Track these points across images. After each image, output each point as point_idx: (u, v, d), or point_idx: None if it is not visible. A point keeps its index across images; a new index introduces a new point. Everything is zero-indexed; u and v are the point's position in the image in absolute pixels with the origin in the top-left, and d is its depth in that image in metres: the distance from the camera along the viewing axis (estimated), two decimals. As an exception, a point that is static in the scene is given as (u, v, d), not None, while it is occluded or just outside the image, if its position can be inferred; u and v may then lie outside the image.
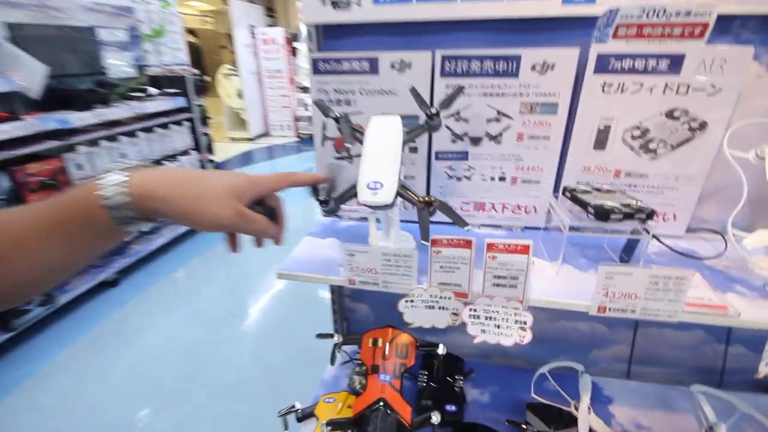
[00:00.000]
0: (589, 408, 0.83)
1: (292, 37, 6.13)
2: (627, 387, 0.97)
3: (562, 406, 0.85)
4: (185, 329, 2.16)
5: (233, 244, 0.55)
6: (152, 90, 2.92)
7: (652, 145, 0.72)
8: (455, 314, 0.62)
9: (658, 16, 0.63)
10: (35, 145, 2.03)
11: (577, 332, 1.01)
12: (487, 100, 0.73)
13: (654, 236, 0.66)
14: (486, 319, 0.61)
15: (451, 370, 0.94)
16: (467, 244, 0.57)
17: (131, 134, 2.65)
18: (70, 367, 1.89)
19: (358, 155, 0.79)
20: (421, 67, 0.73)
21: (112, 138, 2.50)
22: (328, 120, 0.76)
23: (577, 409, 0.84)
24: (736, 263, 0.67)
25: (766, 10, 0.66)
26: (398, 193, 0.60)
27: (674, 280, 0.55)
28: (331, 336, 0.80)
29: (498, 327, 0.61)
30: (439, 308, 0.62)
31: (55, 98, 2.22)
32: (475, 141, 0.76)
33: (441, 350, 0.74)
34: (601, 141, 0.73)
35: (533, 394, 0.87)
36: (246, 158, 5.37)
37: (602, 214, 0.61)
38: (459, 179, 0.81)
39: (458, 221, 0.55)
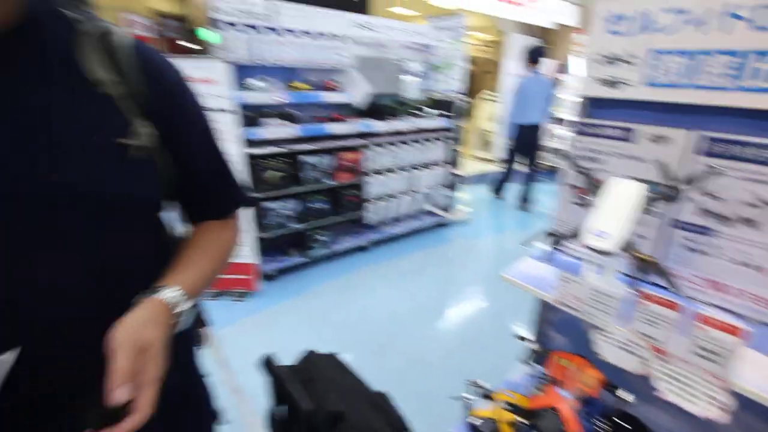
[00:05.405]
0: None
1: (559, 69, 6.12)
2: None
3: None
4: (401, 304, 2.68)
5: None
6: (427, 110, 3.60)
7: None
8: (645, 364, 0.70)
9: None
10: (349, 140, 2.95)
11: None
12: (749, 186, 0.74)
13: None
14: (676, 381, 0.66)
15: None
16: (673, 305, 0.65)
17: (404, 142, 3.38)
18: (323, 295, 2.70)
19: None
20: (674, 144, 0.81)
21: (391, 143, 3.27)
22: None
23: None
24: None
25: None
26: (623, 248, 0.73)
27: None
28: (532, 341, 0.97)
29: (686, 391, 0.66)
30: (630, 353, 0.72)
31: (366, 109, 3.09)
32: (725, 220, 0.77)
33: (629, 397, 0.80)
34: None
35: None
36: (482, 178, 5.76)
37: None
38: (695, 251, 0.83)
39: (670, 284, 0.64)
